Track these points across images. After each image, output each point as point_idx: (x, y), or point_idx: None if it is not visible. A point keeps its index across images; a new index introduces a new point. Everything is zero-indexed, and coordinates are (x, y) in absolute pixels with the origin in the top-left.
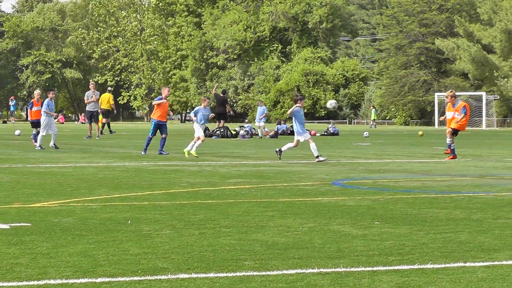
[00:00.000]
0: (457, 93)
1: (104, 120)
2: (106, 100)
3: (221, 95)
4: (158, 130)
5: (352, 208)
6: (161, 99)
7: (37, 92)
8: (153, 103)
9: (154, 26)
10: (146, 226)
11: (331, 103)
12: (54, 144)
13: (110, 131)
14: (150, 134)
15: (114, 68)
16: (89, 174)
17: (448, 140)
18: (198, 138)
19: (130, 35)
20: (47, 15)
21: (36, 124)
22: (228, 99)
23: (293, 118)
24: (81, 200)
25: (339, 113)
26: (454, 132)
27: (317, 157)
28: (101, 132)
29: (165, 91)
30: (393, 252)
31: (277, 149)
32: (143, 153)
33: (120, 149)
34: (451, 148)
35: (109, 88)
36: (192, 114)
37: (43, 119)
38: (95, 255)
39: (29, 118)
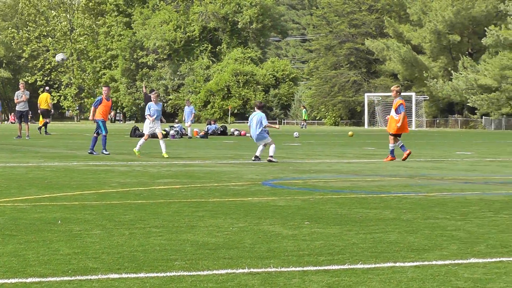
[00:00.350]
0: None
1: (48, 120)
2: (44, 99)
3: (149, 94)
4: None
5: (282, 208)
6: (101, 100)
7: None
8: (93, 106)
9: (84, 25)
10: (76, 226)
11: (59, 56)
12: None
13: (46, 132)
14: (104, 132)
15: (44, 68)
16: (19, 174)
17: (390, 146)
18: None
19: (60, 34)
20: None
21: None
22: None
23: (255, 123)
24: (11, 200)
25: (269, 113)
26: (396, 136)
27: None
28: (46, 132)
29: (105, 91)
30: (323, 252)
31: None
32: (106, 152)
33: (51, 149)
34: (390, 149)
35: (47, 88)
36: (147, 112)
37: None
38: (25, 255)
39: None
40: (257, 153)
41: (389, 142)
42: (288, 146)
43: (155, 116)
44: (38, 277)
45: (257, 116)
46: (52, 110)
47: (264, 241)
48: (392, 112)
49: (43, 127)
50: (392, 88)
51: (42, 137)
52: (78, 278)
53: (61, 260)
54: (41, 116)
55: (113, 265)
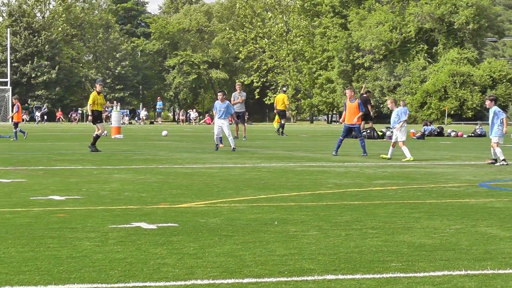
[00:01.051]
0: None
1: (283, 121)
2: (281, 100)
3: (364, 95)
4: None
5: (499, 210)
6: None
7: None
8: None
9: (300, 27)
10: (292, 227)
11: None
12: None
13: (282, 133)
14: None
15: (260, 69)
16: (236, 174)
17: None
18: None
19: (276, 36)
20: (193, 16)
21: None
22: (371, 100)
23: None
24: (227, 201)
25: (486, 114)
26: None
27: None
28: (282, 133)
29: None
30: None
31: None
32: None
33: (267, 150)
34: None
35: (283, 89)
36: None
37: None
38: (242, 255)
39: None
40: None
41: None
42: (505, 147)
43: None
44: (254, 277)
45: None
46: (288, 111)
47: (481, 243)
48: None
49: (280, 128)
50: None
51: (259, 138)
52: (294, 279)
53: (277, 260)
54: (276, 117)
55: (329, 266)
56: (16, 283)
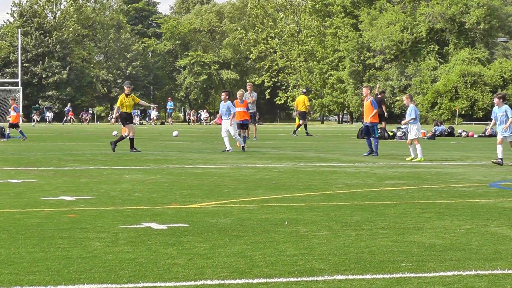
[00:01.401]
0: None
1: (301, 122)
2: (302, 102)
3: (379, 95)
4: None
5: (510, 210)
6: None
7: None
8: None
9: (311, 27)
10: (303, 227)
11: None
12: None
13: (307, 133)
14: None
15: (271, 69)
16: (246, 175)
17: None
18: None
19: (287, 36)
20: (204, 17)
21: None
22: (385, 100)
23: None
24: (238, 201)
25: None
26: None
27: None
28: (307, 133)
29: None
30: None
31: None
32: (368, 154)
33: (277, 150)
34: None
35: (303, 90)
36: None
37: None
38: (252, 255)
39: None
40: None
41: None
42: None
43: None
44: (264, 277)
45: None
46: (310, 112)
47: (491, 243)
48: None
49: (298, 129)
50: None
51: (269, 138)
52: (304, 279)
53: (288, 261)
54: (297, 118)
55: (339, 266)
56: (26, 283)
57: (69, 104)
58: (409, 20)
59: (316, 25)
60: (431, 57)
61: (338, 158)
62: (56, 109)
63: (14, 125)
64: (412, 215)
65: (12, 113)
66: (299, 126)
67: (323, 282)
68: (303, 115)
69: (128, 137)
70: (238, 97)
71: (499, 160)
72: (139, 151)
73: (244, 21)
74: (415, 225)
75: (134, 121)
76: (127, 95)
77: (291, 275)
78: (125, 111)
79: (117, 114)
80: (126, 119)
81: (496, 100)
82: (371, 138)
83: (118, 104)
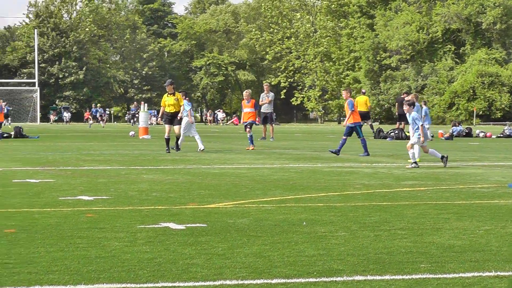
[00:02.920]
0: None
1: (361, 122)
2: (363, 102)
3: (402, 95)
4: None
5: None
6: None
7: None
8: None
9: (327, 27)
10: (321, 227)
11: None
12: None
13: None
14: (361, 136)
15: (287, 70)
16: (264, 175)
17: None
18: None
19: (303, 36)
20: (220, 17)
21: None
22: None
23: None
24: (256, 201)
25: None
26: None
27: None
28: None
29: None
30: None
31: None
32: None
33: (294, 151)
34: None
35: (363, 91)
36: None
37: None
38: (270, 256)
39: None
40: None
41: None
42: None
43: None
44: (283, 278)
45: None
46: (370, 111)
47: (510, 244)
48: None
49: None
50: None
51: (285, 138)
52: (323, 279)
53: (306, 261)
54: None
55: (358, 267)
56: (46, 282)
57: (98, 106)
58: (424, 20)
59: (331, 26)
60: (448, 57)
61: (355, 158)
62: (73, 109)
63: None
64: (430, 216)
65: None
66: (371, 126)
67: (342, 282)
68: (366, 115)
69: (176, 136)
70: (244, 97)
71: None
72: (175, 150)
73: (259, 22)
74: (433, 226)
75: (151, 121)
76: (169, 94)
77: (309, 276)
78: (168, 110)
79: (161, 114)
80: (170, 119)
81: None
82: (360, 139)
83: (162, 103)
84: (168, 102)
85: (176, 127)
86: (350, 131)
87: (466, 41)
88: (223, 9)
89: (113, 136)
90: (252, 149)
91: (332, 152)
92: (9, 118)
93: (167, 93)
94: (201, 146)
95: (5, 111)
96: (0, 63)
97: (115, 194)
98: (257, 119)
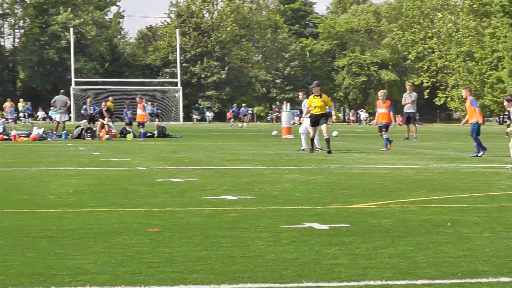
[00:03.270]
0: None
1: None
2: None
3: None
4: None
5: None
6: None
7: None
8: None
9: (469, 27)
10: (465, 228)
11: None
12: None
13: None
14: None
15: (430, 69)
16: (407, 175)
17: None
18: None
19: (445, 36)
20: (361, 17)
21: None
22: None
23: None
24: (399, 202)
25: None
26: None
27: None
28: None
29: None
30: None
31: None
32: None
33: (438, 151)
34: None
35: None
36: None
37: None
38: (415, 257)
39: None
40: None
41: None
42: None
43: None
44: (427, 279)
45: None
46: None
47: None
48: None
49: None
50: None
51: (430, 138)
52: (467, 280)
53: (450, 262)
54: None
55: (503, 269)
56: (190, 282)
57: (243, 106)
58: None
59: (474, 25)
60: None
61: (499, 159)
62: (216, 108)
63: None
64: None
65: None
66: None
67: (487, 284)
68: None
69: (324, 137)
70: (380, 97)
71: None
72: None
73: (401, 21)
74: None
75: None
76: (316, 96)
77: (454, 277)
78: (314, 112)
79: (305, 115)
80: (314, 121)
81: None
82: (473, 138)
83: (307, 105)
84: (314, 103)
85: (323, 127)
86: (477, 128)
87: None
88: (364, 8)
89: (256, 136)
90: (389, 149)
91: (474, 156)
92: (157, 119)
93: (313, 95)
94: (304, 146)
95: (149, 110)
96: (143, 63)
97: (258, 193)
98: (394, 121)
